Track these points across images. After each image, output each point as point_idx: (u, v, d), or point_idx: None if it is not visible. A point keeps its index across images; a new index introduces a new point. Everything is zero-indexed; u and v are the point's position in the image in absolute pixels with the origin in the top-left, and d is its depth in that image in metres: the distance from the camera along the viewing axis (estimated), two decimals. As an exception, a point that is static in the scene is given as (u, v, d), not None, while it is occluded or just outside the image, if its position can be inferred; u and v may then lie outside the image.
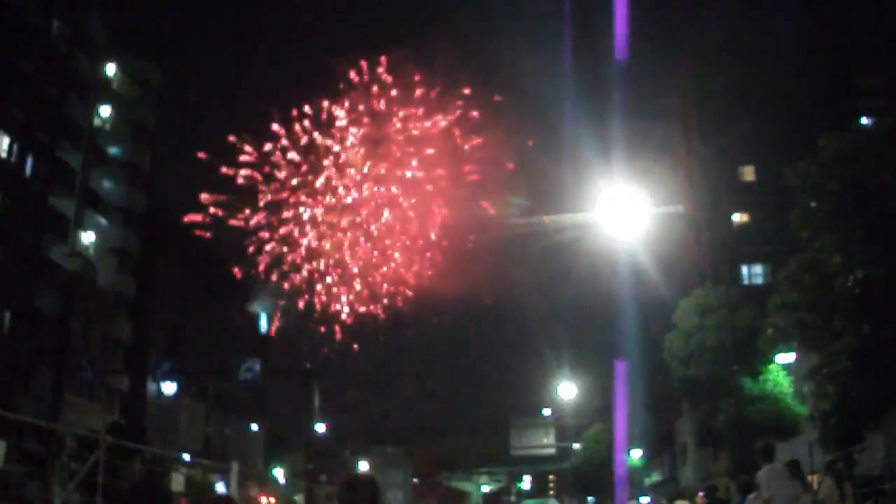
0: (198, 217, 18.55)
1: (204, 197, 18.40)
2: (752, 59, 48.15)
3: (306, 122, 18.34)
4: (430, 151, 18.22)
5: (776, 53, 48.10)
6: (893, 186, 19.56)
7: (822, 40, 48.99)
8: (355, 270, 18.79)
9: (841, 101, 43.21)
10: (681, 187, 50.83)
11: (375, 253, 18.69)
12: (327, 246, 18.67)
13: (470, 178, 18.37)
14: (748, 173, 49.85)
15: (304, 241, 18.72)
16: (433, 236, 18.49)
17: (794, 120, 42.40)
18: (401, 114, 18.26)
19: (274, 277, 19.01)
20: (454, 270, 18.45)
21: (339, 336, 19.35)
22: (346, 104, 18.18)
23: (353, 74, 18.02)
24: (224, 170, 18.29)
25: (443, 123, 18.21)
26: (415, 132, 18.25)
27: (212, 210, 18.47)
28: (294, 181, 18.53)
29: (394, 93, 18.13)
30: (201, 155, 18.24)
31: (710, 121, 48.55)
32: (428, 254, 18.46)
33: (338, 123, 18.32)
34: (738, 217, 49.80)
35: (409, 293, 18.71)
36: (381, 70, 18.05)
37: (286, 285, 19.06)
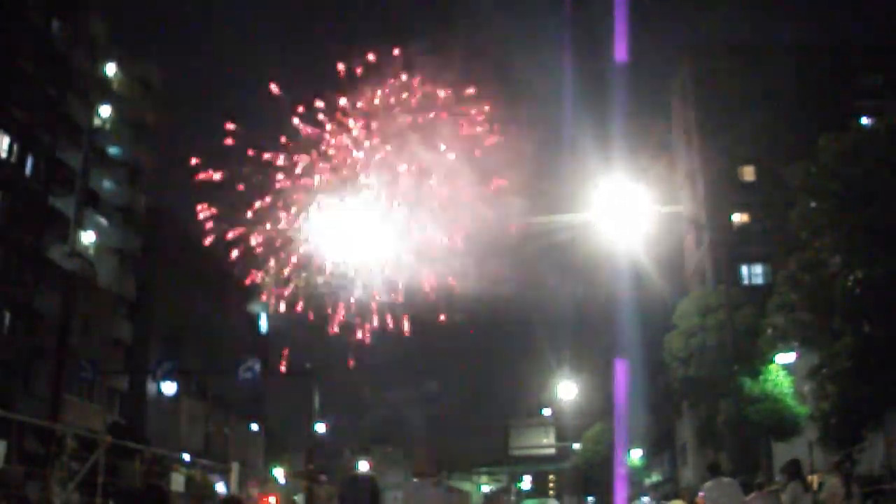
0: (199, 228, 18.45)
1: (201, 208, 18.29)
2: (752, 59, 48.17)
3: (310, 124, 18.27)
4: (452, 156, 18.12)
5: (776, 53, 48.13)
6: (893, 186, 19.57)
7: (822, 40, 49.03)
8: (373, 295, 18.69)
9: (841, 101, 43.25)
10: (681, 187, 50.84)
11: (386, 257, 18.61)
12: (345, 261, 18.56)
13: (497, 184, 18.26)
14: (748, 173, 49.83)
15: (302, 249, 18.64)
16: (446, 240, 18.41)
17: (794, 120, 42.44)
18: (413, 118, 18.20)
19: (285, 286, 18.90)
20: (458, 272, 18.42)
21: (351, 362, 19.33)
22: (357, 103, 18.10)
23: (359, 71, 17.93)
24: (220, 176, 18.18)
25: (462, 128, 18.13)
26: (442, 146, 18.15)
27: (209, 225, 18.35)
28: (299, 183, 18.44)
29: (404, 95, 18.07)
30: (196, 160, 18.11)
31: (710, 121, 48.55)
32: (446, 257, 18.39)
33: (350, 123, 18.23)
34: (738, 217, 49.79)
35: (432, 296, 18.61)
36: (388, 70, 17.99)
37: (287, 292, 18.98)
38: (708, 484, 13.10)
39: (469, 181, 18.20)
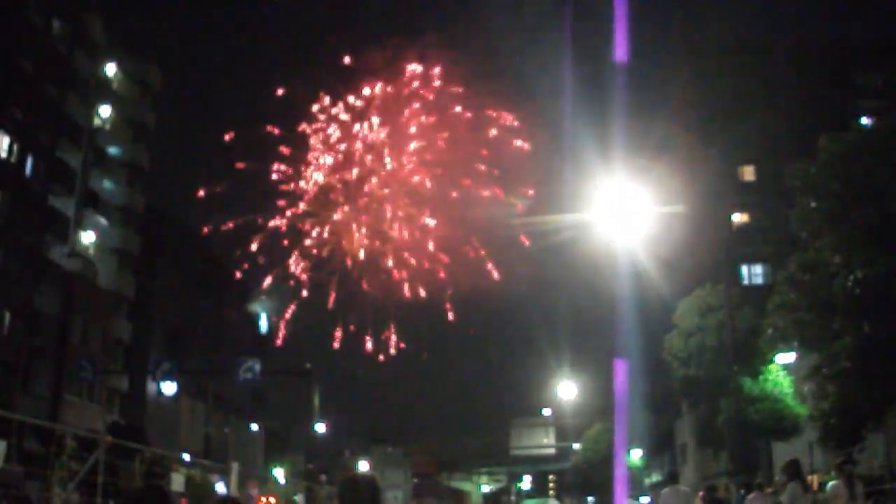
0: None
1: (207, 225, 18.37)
2: (753, 60, 48.18)
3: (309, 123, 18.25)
4: (481, 166, 18.17)
5: (776, 53, 48.13)
6: (893, 186, 19.57)
7: (822, 40, 49.01)
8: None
9: (841, 101, 43.25)
10: (681, 187, 50.75)
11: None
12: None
13: (526, 193, 18.31)
14: (748, 173, 49.85)
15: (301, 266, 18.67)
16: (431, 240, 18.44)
17: (794, 120, 42.45)
18: (419, 118, 18.21)
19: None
20: (458, 271, 18.47)
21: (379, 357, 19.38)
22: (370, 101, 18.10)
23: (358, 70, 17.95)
24: (223, 187, 18.23)
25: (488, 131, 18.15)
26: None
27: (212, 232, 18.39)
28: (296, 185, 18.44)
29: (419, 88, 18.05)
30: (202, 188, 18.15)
31: (710, 121, 48.55)
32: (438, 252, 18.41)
33: (356, 128, 18.23)
34: (738, 217, 49.78)
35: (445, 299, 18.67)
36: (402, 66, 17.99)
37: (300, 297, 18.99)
38: (665, 490, 14.10)
39: (479, 181, 18.23)
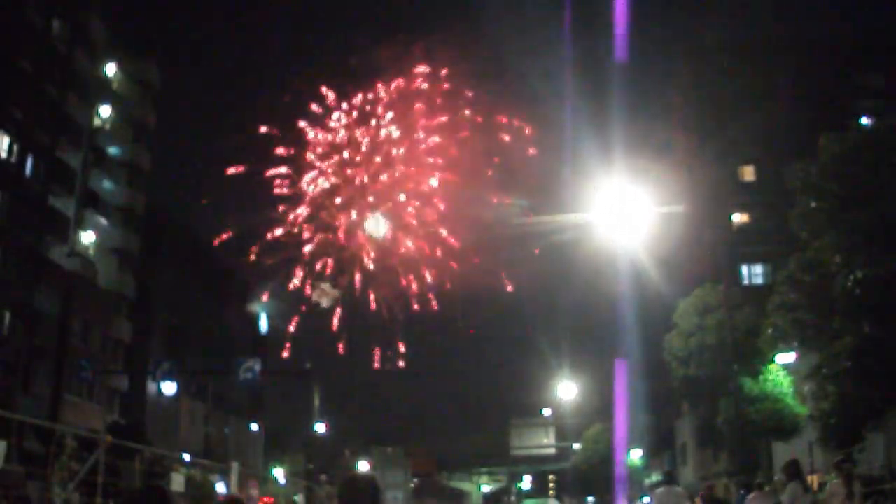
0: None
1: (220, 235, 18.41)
2: (752, 59, 48.16)
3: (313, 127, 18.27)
4: (488, 170, 18.19)
5: (776, 53, 48.11)
6: (893, 186, 19.56)
7: (822, 40, 48.99)
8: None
9: (841, 101, 43.23)
10: (681, 187, 50.78)
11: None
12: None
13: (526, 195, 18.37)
14: (748, 173, 49.86)
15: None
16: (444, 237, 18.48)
17: (794, 120, 42.42)
18: (421, 122, 18.25)
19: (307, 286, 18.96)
20: (457, 272, 18.52)
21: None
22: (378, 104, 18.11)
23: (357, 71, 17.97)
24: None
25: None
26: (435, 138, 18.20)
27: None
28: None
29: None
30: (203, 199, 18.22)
31: (710, 120, 48.56)
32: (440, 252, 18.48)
33: (358, 134, 18.26)
34: (738, 217, 49.80)
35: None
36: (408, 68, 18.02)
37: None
38: (660, 490, 14.28)
39: (487, 185, 18.29)
